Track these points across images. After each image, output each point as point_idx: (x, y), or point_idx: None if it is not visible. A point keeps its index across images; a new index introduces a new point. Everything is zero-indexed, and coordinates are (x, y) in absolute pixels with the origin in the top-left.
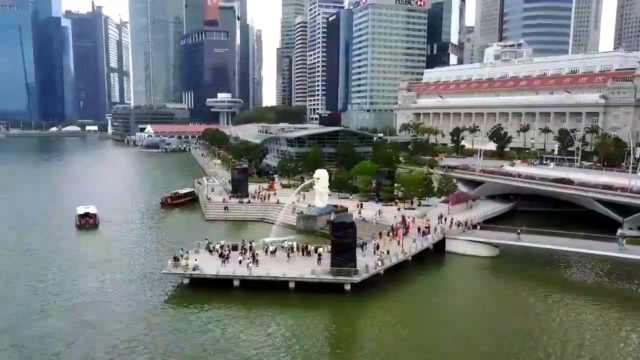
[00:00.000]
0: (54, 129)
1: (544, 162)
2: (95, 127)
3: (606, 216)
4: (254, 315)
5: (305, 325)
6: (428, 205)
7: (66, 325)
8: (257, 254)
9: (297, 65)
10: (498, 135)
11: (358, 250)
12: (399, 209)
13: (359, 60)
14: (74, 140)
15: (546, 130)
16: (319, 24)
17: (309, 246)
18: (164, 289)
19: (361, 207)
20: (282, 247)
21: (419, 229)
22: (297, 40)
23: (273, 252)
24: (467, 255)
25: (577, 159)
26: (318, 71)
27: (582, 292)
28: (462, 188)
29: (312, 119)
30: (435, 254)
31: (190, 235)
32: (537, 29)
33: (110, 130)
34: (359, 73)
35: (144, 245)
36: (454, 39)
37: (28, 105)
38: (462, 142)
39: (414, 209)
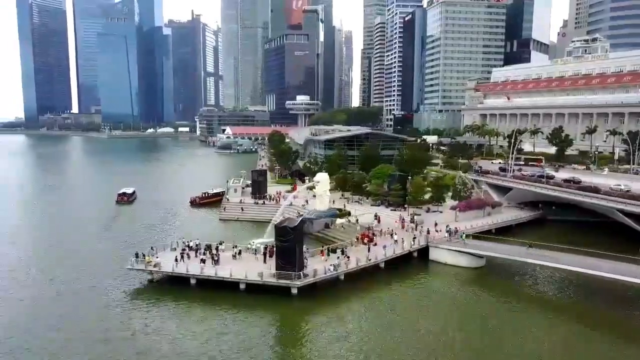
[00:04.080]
0: (150, 130)
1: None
2: (187, 129)
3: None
4: (199, 313)
5: (238, 326)
6: (435, 211)
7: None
8: (216, 253)
9: (375, 65)
10: (558, 138)
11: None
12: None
13: (432, 60)
14: (166, 140)
15: (614, 133)
16: (396, 23)
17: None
18: (128, 283)
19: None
20: (247, 248)
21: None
22: (376, 41)
23: (238, 254)
24: (450, 265)
25: (632, 164)
26: (394, 71)
27: (562, 311)
28: (492, 194)
29: (388, 119)
30: (418, 262)
31: (194, 234)
32: (625, 21)
33: (198, 131)
34: (432, 72)
35: (144, 236)
36: (539, 34)
37: (131, 109)
38: (523, 145)
39: (419, 214)
